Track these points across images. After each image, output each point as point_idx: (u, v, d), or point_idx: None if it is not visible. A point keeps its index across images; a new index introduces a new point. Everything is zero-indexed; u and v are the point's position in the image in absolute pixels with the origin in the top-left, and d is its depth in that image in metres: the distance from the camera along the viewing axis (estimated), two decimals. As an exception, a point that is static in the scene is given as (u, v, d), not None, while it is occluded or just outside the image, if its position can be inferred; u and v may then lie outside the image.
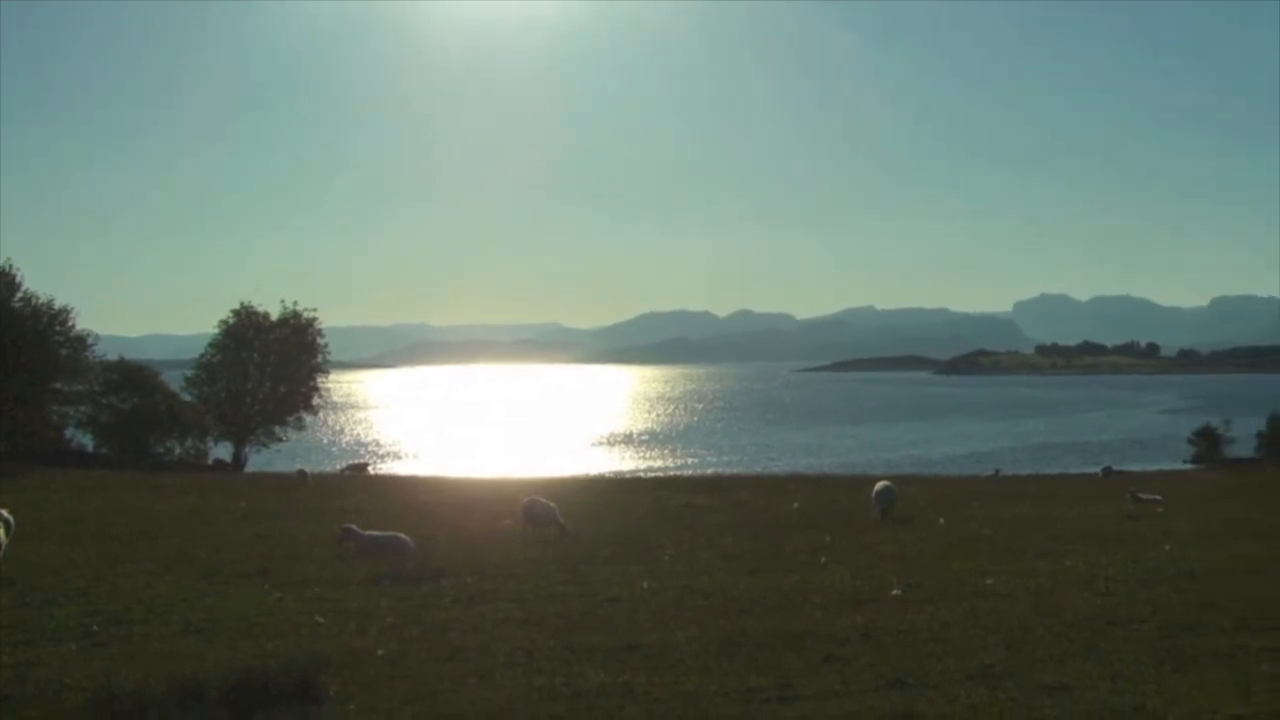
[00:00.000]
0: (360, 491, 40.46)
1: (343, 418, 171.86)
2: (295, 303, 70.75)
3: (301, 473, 47.93)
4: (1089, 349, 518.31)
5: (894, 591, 18.08)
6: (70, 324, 55.03)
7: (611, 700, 11.50)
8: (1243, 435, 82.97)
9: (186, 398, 68.28)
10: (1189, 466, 74.77)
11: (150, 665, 12.80)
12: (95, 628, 15.15)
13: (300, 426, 72.95)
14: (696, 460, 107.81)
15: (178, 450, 65.94)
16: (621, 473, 73.61)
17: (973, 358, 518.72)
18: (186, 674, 11.73)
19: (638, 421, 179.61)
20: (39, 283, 60.65)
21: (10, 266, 54.14)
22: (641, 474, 71.62)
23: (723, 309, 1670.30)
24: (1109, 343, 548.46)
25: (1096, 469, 56.85)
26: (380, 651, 13.66)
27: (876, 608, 16.70)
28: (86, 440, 64.95)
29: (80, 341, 55.95)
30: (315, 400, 71.65)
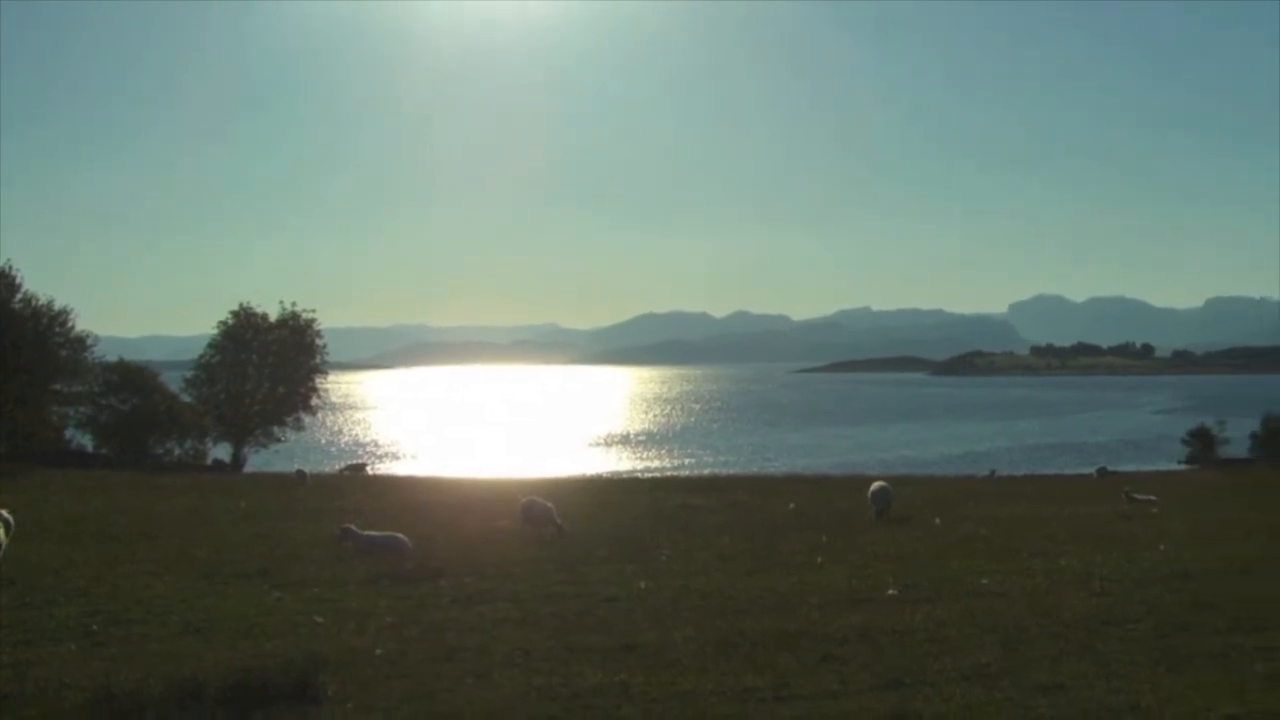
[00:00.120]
0: (359, 492, 40.48)
1: (341, 418, 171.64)
2: (294, 304, 70.91)
3: (300, 473, 47.95)
4: (1084, 350, 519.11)
5: (890, 591, 18.12)
6: (70, 325, 55.06)
7: (609, 700, 11.54)
8: (1237, 436, 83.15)
9: (186, 398, 68.29)
10: (1183, 467, 74.93)
11: (149, 665, 12.83)
12: (95, 628, 15.18)
13: (299, 427, 72.97)
14: (693, 461, 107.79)
15: (177, 451, 65.94)
16: (618, 473, 73.58)
17: (968, 359, 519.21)
18: (185, 674, 11.77)
19: (635, 422, 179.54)
20: (38, 284, 61.23)
21: (10, 267, 54.22)
22: (638, 474, 71.57)
23: (719, 310, 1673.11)
24: (1104, 343, 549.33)
25: (1091, 469, 56.90)
26: (378, 651, 13.69)
27: (873, 607, 16.75)
28: (86, 441, 64.96)
29: (80, 342, 55.94)
30: (314, 401, 71.68)
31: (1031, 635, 14.48)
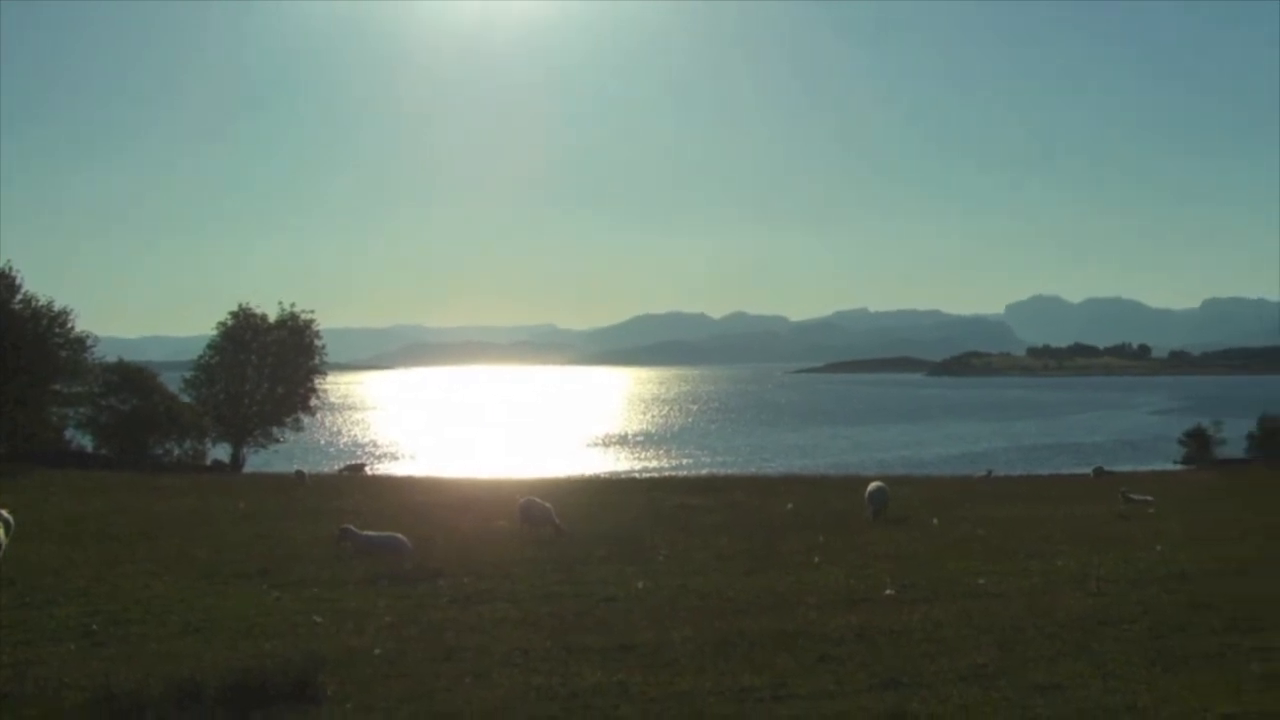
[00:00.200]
0: (357, 492, 40.47)
1: (340, 419, 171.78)
2: (293, 304, 71.12)
3: (299, 473, 47.98)
4: (1081, 350, 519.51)
5: (888, 591, 18.15)
6: (70, 326, 55.05)
7: (607, 699, 11.57)
8: (1233, 436, 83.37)
9: (185, 399, 68.38)
10: (1180, 467, 75.01)
11: (149, 665, 12.86)
12: (94, 627, 15.21)
13: (298, 427, 73.08)
14: (691, 461, 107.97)
15: (176, 451, 66.03)
16: (617, 473, 73.58)
17: (965, 359, 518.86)
18: (185, 673, 11.78)
19: (633, 423, 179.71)
20: (38, 284, 61.06)
21: (10, 268, 54.25)
22: (637, 475, 71.58)
23: (717, 311, 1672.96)
24: (1100, 344, 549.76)
25: (1088, 470, 56.99)
26: (377, 651, 13.72)
27: (870, 608, 16.78)
28: (86, 441, 65.04)
29: (80, 343, 55.95)
30: (313, 401, 71.78)
31: (1028, 635, 14.50)
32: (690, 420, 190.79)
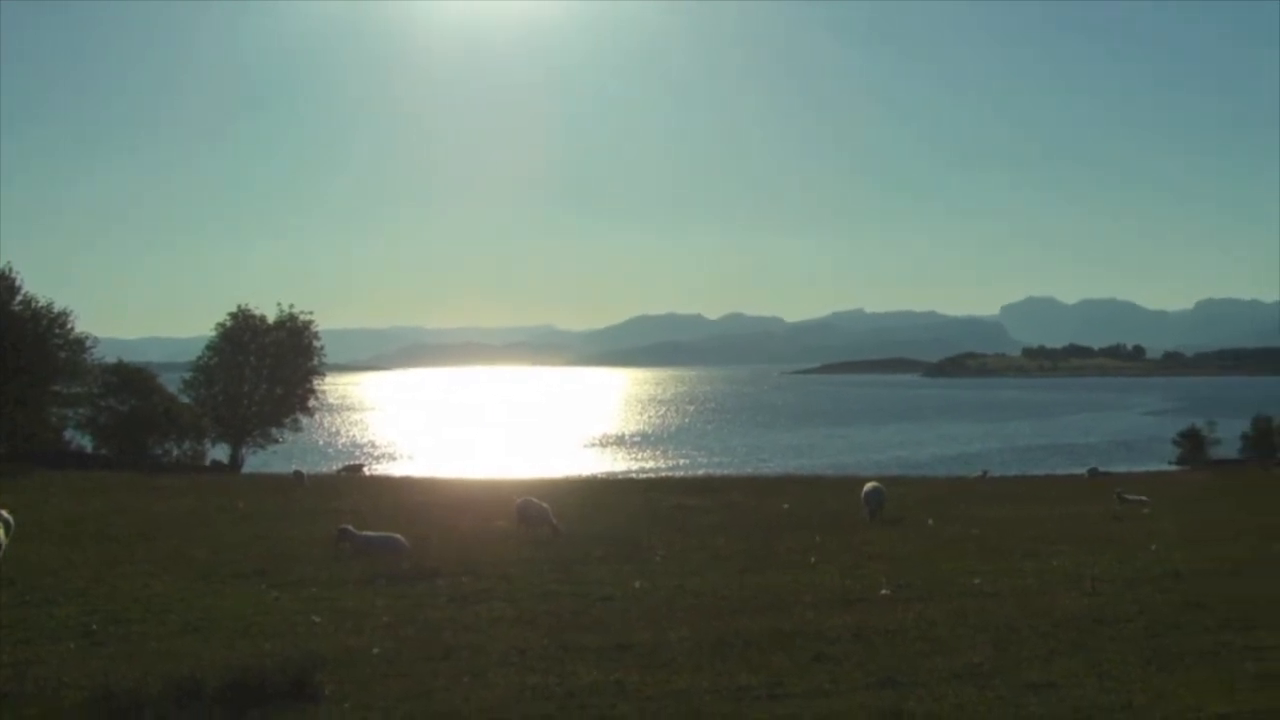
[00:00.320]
0: (356, 492, 40.55)
1: (338, 419, 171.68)
2: (291, 306, 71.21)
3: (298, 474, 47.99)
4: (1075, 351, 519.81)
5: (883, 591, 18.22)
6: (69, 327, 55.22)
7: (604, 698, 11.62)
8: (1227, 436, 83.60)
9: (184, 400, 68.45)
10: (1174, 468, 75.24)
11: (148, 664, 12.91)
12: (94, 627, 15.26)
13: (296, 428, 73.16)
14: (688, 461, 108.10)
15: (175, 452, 66.06)
16: (614, 474, 73.65)
17: (960, 360, 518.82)
18: (184, 672, 11.84)
19: (630, 423, 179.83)
20: (38, 286, 60.99)
21: (10, 270, 54.31)
22: (634, 475, 71.71)
23: (714, 312, 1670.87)
24: (1095, 345, 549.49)
25: (1083, 470, 57.22)
26: (375, 650, 13.77)
27: (866, 607, 16.84)
28: (85, 442, 65.11)
29: (79, 344, 56.07)
30: (311, 402, 71.88)
31: (1023, 635, 14.56)
32: (687, 421, 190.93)
